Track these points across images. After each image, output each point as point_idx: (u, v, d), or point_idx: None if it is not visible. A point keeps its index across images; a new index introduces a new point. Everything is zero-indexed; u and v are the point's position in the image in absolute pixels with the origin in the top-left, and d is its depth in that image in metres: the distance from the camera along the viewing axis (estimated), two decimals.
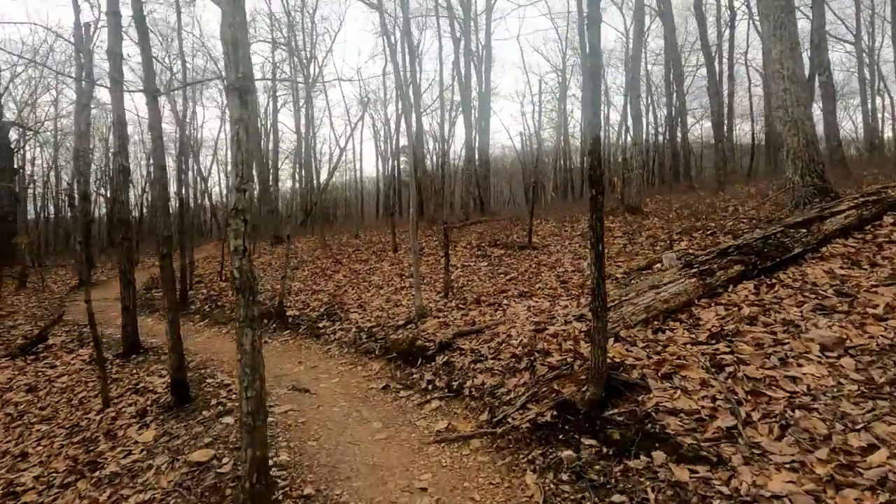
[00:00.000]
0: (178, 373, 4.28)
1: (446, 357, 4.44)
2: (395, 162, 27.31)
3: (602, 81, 28.01)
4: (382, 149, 34.28)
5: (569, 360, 3.62)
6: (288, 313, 7.24)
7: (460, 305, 5.91)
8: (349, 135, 26.13)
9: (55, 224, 29.62)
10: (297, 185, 36.07)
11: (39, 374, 5.90)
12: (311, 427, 3.58)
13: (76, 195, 16.11)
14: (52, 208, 29.57)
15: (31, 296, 13.87)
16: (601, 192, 2.85)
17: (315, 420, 3.71)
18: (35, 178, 28.17)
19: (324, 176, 29.94)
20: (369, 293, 7.70)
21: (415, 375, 4.40)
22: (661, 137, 27.97)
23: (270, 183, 26.16)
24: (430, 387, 4.09)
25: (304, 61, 29.55)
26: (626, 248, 7.45)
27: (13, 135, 22.62)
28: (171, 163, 31.40)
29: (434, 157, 27.66)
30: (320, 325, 6.52)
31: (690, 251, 5.86)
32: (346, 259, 11.75)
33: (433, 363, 4.45)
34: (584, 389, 3.06)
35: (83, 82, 12.88)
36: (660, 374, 3.12)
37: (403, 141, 36.08)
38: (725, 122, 19.04)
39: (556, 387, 3.31)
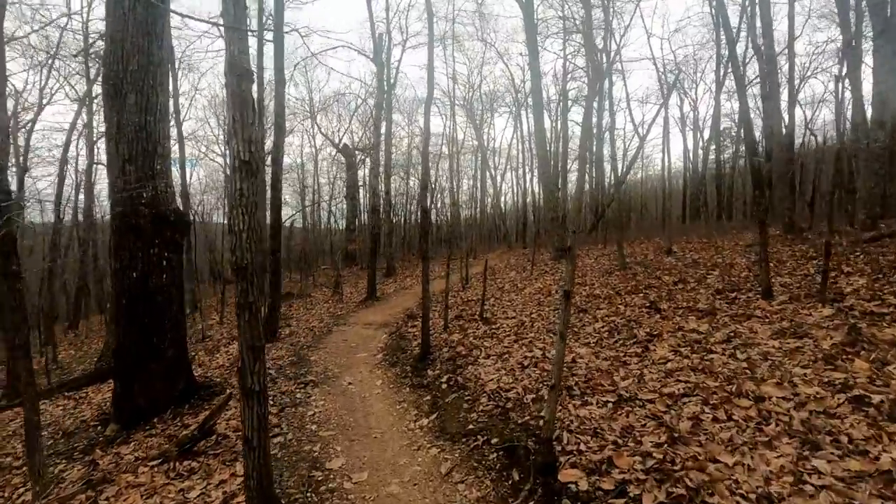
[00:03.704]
0: None
1: None
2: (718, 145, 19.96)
3: None
4: (691, 136, 26.93)
5: None
6: (562, 475, 3.06)
7: None
8: (651, 120, 20.50)
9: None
10: (587, 186, 31.98)
11: None
12: None
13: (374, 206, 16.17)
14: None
15: (327, 301, 13.99)
16: None
17: None
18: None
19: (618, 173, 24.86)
20: (774, 455, 2.81)
21: None
22: None
23: (558, 186, 22.98)
24: None
25: (598, 48, 25.04)
26: None
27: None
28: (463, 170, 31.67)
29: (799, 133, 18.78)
30: None
31: None
32: (666, 303, 6.83)
33: None
34: None
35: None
36: None
37: (725, 122, 27.50)
38: None
39: None
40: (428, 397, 5.21)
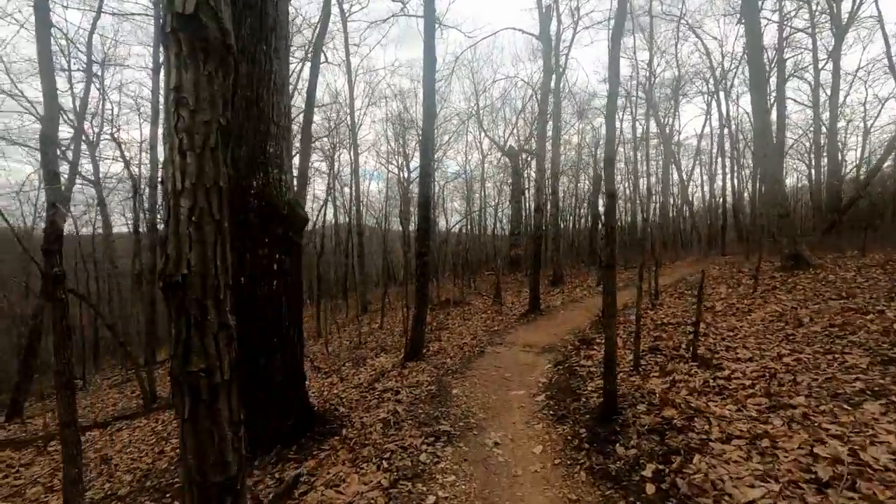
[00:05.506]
0: None
1: None
2: None
3: None
4: None
5: None
6: None
7: None
8: None
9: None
10: (810, 178, 24.55)
11: None
12: None
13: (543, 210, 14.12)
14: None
15: (486, 311, 12.34)
16: None
17: None
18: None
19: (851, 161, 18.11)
20: None
21: None
22: None
23: (780, 178, 17.67)
24: None
25: None
26: None
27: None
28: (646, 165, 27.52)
29: None
30: None
31: None
32: None
33: None
34: None
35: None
36: None
37: None
38: None
39: None
40: (612, 487, 2.97)
